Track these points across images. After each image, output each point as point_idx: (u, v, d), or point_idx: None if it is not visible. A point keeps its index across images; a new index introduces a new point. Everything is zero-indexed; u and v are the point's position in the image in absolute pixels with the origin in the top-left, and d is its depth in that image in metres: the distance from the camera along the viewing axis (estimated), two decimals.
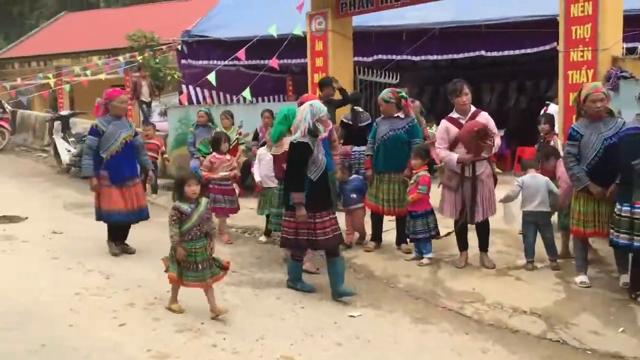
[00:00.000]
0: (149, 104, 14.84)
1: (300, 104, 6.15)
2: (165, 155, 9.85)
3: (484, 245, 5.79)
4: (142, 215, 6.48)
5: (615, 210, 4.72)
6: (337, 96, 8.36)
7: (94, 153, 6.19)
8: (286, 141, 5.57)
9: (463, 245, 5.84)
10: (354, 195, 6.46)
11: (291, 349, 4.20)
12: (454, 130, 5.61)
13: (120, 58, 17.15)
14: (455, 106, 5.64)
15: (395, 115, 6.22)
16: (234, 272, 5.80)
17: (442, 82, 11.13)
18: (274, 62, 10.06)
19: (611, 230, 4.77)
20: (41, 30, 27.68)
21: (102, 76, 16.82)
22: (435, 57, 11.52)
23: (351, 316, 4.79)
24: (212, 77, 10.11)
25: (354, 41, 9.86)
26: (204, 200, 4.79)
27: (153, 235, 6.89)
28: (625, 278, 5.02)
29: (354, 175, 6.68)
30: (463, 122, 5.58)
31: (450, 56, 11.47)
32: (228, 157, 7.34)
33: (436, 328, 4.63)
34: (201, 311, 4.74)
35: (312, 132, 5.05)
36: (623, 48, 6.90)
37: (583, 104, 4.94)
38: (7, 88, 17.07)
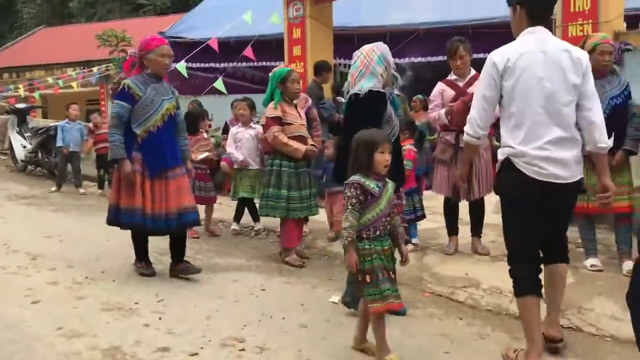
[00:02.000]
0: None
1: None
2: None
3: (477, 230, 5.02)
4: (186, 220, 4.33)
5: None
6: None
7: (123, 126, 4.19)
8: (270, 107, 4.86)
9: (453, 229, 5.06)
10: None
11: (243, 331, 3.37)
12: (450, 93, 4.93)
13: (94, 69, 16.45)
14: (452, 68, 4.99)
15: None
16: (186, 258, 4.98)
17: (429, 82, 10.57)
18: (248, 52, 9.39)
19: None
20: (17, 44, 26.96)
21: (75, 85, 16.10)
22: (419, 59, 10.97)
23: (332, 302, 3.95)
24: (219, 85, 9.44)
25: (336, 43, 9.25)
26: (389, 183, 3.04)
27: (98, 222, 6.17)
28: (628, 265, 4.28)
29: None
30: (460, 84, 4.93)
31: (436, 58, 10.89)
32: (205, 135, 6.38)
33: (423, 313, 3.82)
34: (141, 289, 3.91)
35: (392, 80, 3.78)
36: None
37: (591, 55, 4.25)
38: None
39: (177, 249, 4.45)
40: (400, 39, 10.49)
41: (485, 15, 10.43)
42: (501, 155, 2.99)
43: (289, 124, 4.80)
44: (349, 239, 2.85)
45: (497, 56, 2.92)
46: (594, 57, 4.17)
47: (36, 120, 12.50)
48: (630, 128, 4.26)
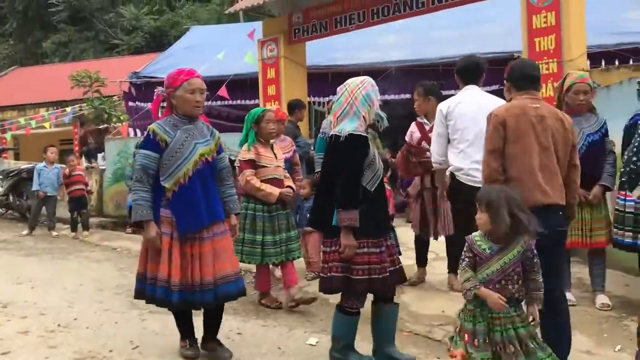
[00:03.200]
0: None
1: (278, 120, 5.43)
2: (88, 188, 8.96)
3: (453, 266, 5.07)
4: (226, 291, 3.50)
5: (617, 206, 4.21)
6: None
7: (150, 180, 3.45)
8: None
9: (420, 261, 5.25)
10: None
11: None
12: (417, 135, 5.09)
13: (67, 109, 16.38)
14: None
15: None
16: None
17: (402, 119, 10.75)
18: (222, 91, 9.49)
19: (614, 230, 4.25)
20: None
21: (48, 125, 15.98)
22: (392, 96, 11.17)
23: (310, 345, 3.92)
24: None
25: (310, 81, 9.40)
26: (522, 238, 2.77)
27: (71, 266, 6.12)
28: (602, 299, 4.35)
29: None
30: (427, 127, 5.06)
31: (407, 95, 11.10)
32: None
33: None
34: (116, 336, 3.83)
35: (373, 123, 3.52)
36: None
37: (565, 94, 4.39)
38: None
39: (210, 324, 3.66)
40: (372, 77, 10.65)
41: (455, 54, 10.70)
42: (448, 172, 4.26)
43: (263, 166, 4.68)
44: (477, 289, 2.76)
45: (442, 105, 4.31)
46: (569, 95, 4.32)
47: (7, 162, 12.35)
48: (607, 165, 4.34)
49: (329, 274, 3.30)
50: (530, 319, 2.77)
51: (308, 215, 5.47)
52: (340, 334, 3.41)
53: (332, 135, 3.41)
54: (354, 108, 3.35)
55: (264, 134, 4.75)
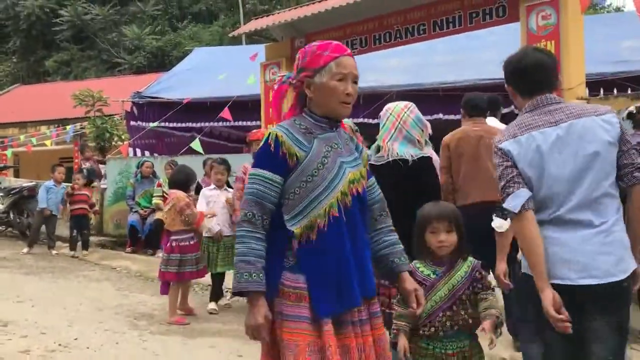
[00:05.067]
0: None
1: (249, 141, 5.52)
2: (95, 208, 8.98)
3: None
4: None
5: None
6: None
7: (266, 220, 2.06)
8: None
9: None
10: None
11: None
12: None
13: (68, 127, 16.44)
14: None
15: None
16: (161, 323, 4.94)
17: None
18: (225, 113, 9.58)
19: None
20: None
21: (49, 143, 16.04)
22: None
23: None
24: (196, 145, 9.62)
25: None
26: (469, 260, 2.56)
27: (70, 285, 6.13)
28: None
29: None
30: None
31: None
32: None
33: None
34: (117, 357, 3.82)
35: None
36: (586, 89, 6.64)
37: None
38: None
39: None
40: (373, 101, 10.80)
41: (455, 79, 10.86)
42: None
43: None
44: (396, 330, 2.46)
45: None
46: None
47: (8, 180, 12.38)
48: None
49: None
50: (488, 338, 2.33)
51: None
52: None
53: (394, 159, 3.16)
54: (404, 132, 3.21)
55: None
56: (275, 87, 2.27)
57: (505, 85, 2.46)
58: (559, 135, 2.20)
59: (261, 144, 2.13)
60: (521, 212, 2.18)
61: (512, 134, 2.28)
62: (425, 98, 10.73)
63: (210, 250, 5.41)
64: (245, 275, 1.98)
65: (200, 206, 5.52)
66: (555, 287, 2.12)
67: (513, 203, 2.19)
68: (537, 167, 2.21)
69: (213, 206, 5.51)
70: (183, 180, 5.31)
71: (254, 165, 2.13)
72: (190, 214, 5.08)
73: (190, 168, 5.59)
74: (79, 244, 8.55)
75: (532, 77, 2.35)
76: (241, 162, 5.69)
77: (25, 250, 8.54)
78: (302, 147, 2.09)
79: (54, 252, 8.62)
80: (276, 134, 2.08)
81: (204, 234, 5.42)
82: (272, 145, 2.07)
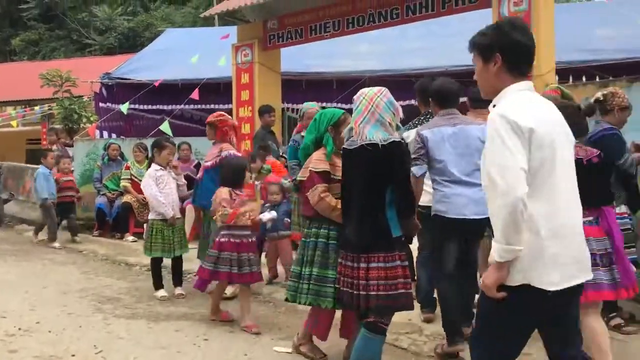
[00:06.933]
0: None
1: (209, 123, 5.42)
2: (80, 194, 8.68)
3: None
4: None
5: None
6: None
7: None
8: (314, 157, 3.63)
9: None
10: (287, 219, 5.47)
11: None
12: None
13: (36, 107, 16.05)
14: None
15: None
16: (127, 307, 4.87)
17: None
18: (195, 94, 9.43)
19: None
20: None
21: (15, 123, 15.66)
22: None
23: (278, 351, 3.90)
24: (165, 127, 9.42)
25: (284, 88, 9.38)
26: None
27: (34, 269, 6.01)
28: None
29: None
30: None
31: None
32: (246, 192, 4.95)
33: None
34: (79, 340, 3.76)
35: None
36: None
37: None
38: None
39: None
40: (346, 86, 10.76)
41: (427, 65, 10.86)
42: None
43: (338, 181, 3.49)
44: None
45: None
46: None
47: None
48: None
49: (397, 291, 3.17)
50: None
51: (284, 219, 5.42)
52: (372, 356, 3.23)
53: (364, 144, 3.20)
54: (376, 115, 3.25)
55: (339, 142, 3.59)
56: None
57: (430, 99, 4.03)
58: (455, 132, 3.73)
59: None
60: (419, 178, 3.67)
61: (429, 127, 3.79)
62: (398, 84, 10.74)
63: (164, 234, 5.21)
64: None
65: (149, 188, 5.25)
66: (460, 220, 3.61)
67: (418, 171, 3.66)
68: (441, 148, 3.70)
69: (164, 187, 5.27)
70: (229, 178, 4.62)
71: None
72: (222, 214, 4.42)
73: (237, 158, 5.08)
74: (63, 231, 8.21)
75: (445, 98, 3.90)
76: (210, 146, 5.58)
77: (57, 244, 7.85)
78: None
79: (56, 244, 7.84)
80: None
81: (154, 217, 5.25)
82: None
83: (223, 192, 4.51)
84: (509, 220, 2.01)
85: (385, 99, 3.33)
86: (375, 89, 3.42)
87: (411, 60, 10.97)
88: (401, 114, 3.42)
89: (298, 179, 3.81)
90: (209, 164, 5.28)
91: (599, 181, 3.42)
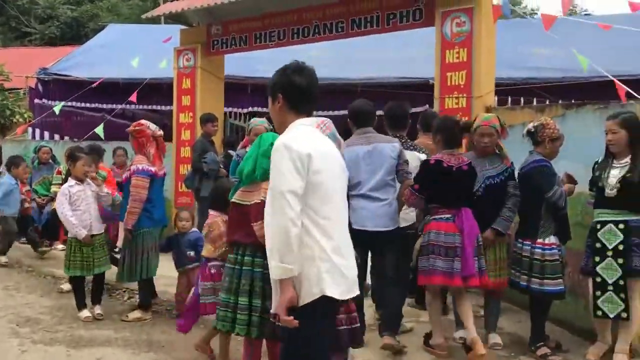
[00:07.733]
0: None
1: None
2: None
3: None
4: None
5: (516, 248, 4.29)
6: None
7: None
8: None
9: None
10: (191, 253, 4.89)
11: None
12: None
13: None
14: None
15: None
16: (47, 330, 4.61)
17: None
18: (133, 96, 9.12)
19: (512, 271, 4.31)
20: None
21: None
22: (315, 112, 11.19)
23: None
24: (99, 131, 9.22)
25: (228, 92, 9.18)
26: None
27: None
28: (494, 338, 4.45)
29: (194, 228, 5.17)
30: None
31: (325, 112, 11.18)
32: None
33: None
34: None
35: None
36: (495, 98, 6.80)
37: (472, 136, 4.47)
38: None
39: None
40: None
41: (374, 75, 10.90)
42: None
43: None
44: None
45: None
46: (475, 137, 4.39)
47: None
48: (505, 208, 4.29)
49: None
50: None
51: (189, 252, 4.88)
52: None
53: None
54: None
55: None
56: None
57: (348, 119, 4.31)
58: (369, 150, 4.13)
59: None
60: None
61: (347, 145, 3.77)
62: (343, 92, 10.73)
63: (84, 252, 4.92)
64: None
65: (60, 206, 4.92)
66: (362, 231, 3.93)
67: None
68: (356, 165, 4.02)
69: (81, 204, 4.95)
70: (221, 201, 3.99)
71: None
72: (225, 251, 3.84)
73: (227, 180, 4.90)
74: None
75: (363, 118, 4.24)
76: None
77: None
78: None
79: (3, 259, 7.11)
80: None
81: (69, 236, 4.99)
82: None
83: (220, 224, 4.00)
84: (282, 239, 2.22)
85: (327, 132, 3.05)
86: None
87: (358, 70, 11.02)
88: (344, 147, 3.16)
89: (236, 201, 3.42)
90: (123, 177, 5.15)
91: (463, 186, 4.10)
